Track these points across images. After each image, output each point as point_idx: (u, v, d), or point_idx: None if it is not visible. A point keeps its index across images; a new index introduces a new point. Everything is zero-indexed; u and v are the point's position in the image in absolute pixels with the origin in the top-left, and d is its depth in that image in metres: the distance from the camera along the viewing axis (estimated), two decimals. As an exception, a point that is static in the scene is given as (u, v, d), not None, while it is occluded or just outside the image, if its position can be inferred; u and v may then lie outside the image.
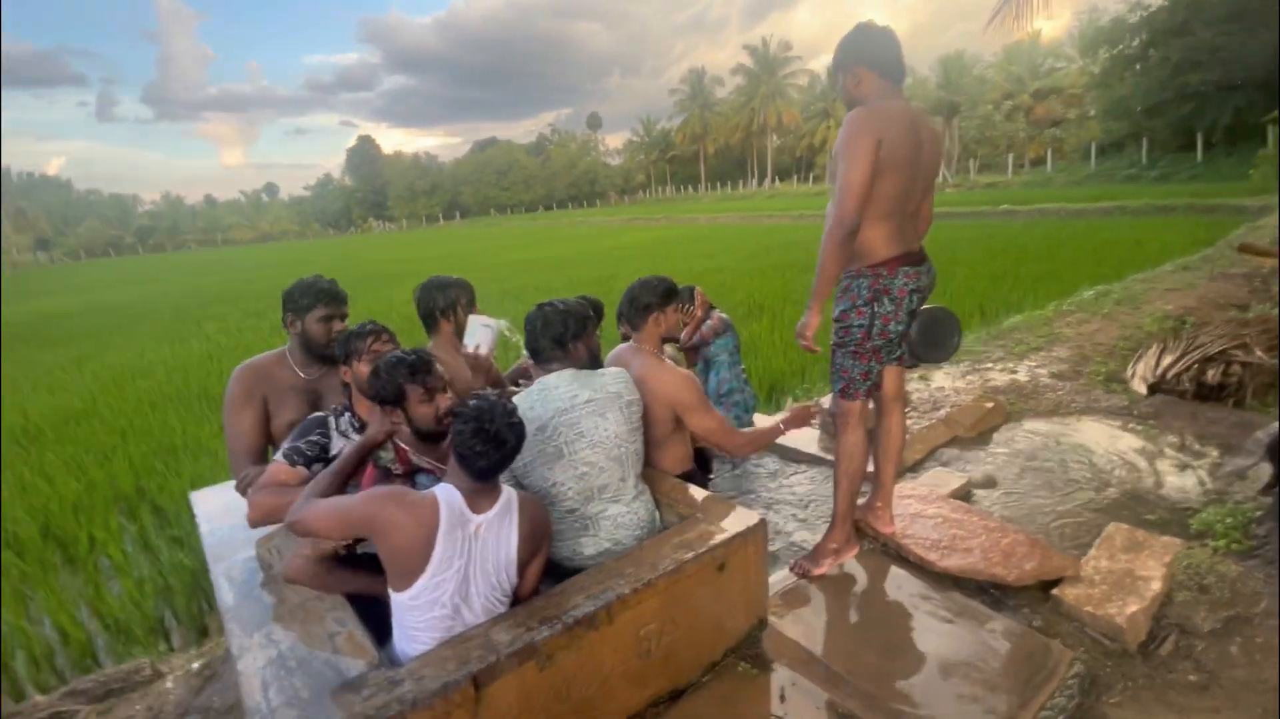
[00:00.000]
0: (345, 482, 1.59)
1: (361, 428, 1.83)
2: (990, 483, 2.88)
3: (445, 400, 1.65)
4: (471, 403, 1.47)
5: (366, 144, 69.12)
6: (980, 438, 3.34)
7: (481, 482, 1.50)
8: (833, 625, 1.97)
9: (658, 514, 1.99)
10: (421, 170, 64.69)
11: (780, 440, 3.24)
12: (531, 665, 1.41)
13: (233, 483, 2.12)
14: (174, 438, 4.91)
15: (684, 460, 2.48)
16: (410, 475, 1.76)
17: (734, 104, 53.16)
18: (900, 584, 2.15)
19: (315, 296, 2.12)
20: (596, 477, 1.80)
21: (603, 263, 14.36)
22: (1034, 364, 4.34)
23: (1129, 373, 4.02)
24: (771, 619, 1.97)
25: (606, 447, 1.81)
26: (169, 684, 2.20)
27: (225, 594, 1.65)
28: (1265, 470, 2.60)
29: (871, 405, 2.27)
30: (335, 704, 1.24)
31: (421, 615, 1.44)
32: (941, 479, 2.83)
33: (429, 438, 1.68)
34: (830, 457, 3.04)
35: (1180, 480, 2.79)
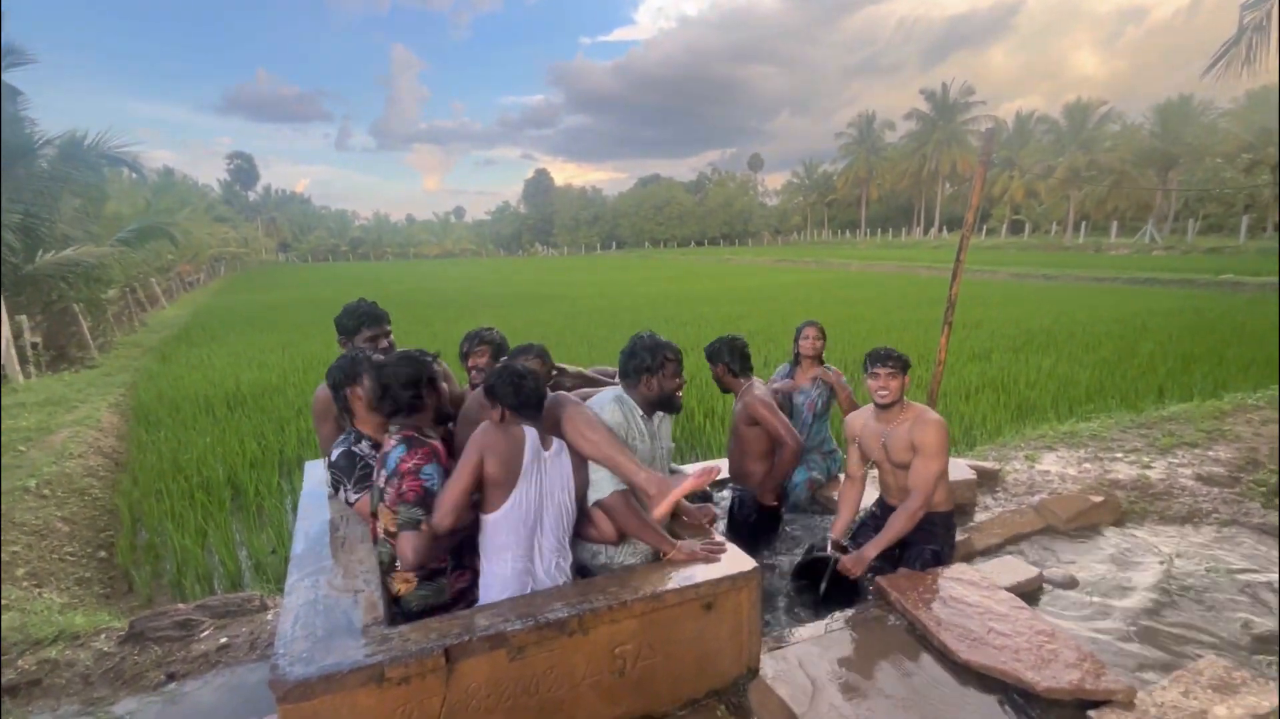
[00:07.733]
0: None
1: (374, 445, 2.05)
2: (1070, 583, 2.58)
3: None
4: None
5: (542, 176, 76.09)
6: (1078, 533, 2.99)
7: (535, 415, 1.87)
8: (825, 695, 1.91)
9: None
10: (586, 202, 69.57)
11: None
12: (502, 653, 1.60)
13: None
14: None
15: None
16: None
17: (904, 149, 50.83)
18: (913, 668, 2.03)
19: (359, 319, 2.39)
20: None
21: (740, 301, 14.44)
22: (1178, 461, 3.74)
23: (1308, 488, 3.33)
24: (764, 672, 1.97)
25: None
26: (269, 615, 2.70)
27: (298, 544, 2.04)
28: None
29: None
30: (338, 645, 1.52)
31: (508, 529, 1.78)
32: (1009, 568, 2.59)
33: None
34: None
35: (1327, 625, 2.30)
